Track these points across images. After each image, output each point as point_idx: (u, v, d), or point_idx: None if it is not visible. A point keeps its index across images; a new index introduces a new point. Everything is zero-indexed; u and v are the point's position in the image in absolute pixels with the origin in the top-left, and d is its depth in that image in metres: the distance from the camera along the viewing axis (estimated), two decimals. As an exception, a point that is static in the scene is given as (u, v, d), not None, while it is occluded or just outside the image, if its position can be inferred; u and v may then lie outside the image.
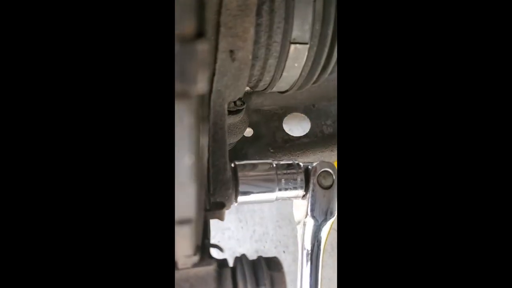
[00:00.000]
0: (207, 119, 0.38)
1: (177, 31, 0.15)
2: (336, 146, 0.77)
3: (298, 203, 0.54)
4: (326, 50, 0.45)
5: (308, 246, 0.52)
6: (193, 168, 0.19)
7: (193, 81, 0.16)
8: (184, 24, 0.15)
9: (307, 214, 0.51)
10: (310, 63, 0.46)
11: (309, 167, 0.51)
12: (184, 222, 0.22)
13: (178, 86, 0.16)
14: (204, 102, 0.19)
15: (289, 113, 0.81)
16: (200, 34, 0.15)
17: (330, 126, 0.80)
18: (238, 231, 1.25)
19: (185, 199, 0.20)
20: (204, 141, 0.23)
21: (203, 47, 0.16)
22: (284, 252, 1.27)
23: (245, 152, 0.75)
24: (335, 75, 0.51)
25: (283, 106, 0.80)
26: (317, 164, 0.51)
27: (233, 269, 0.39)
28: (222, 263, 0.39)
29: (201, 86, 0.16)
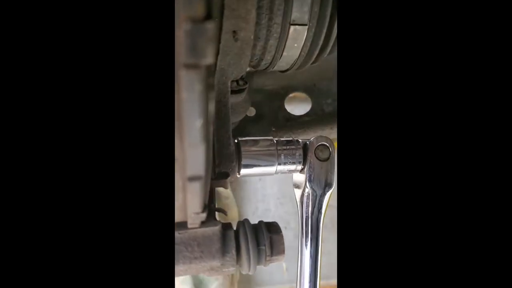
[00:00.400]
0: (214, 87, 0.41)
1: (189, 13, 0.18)
2: (335, 124, 0.80)
3: (298, 178, 0.58)
4: (324, 31, 0.48)
5: (308, 217, 0.55)
6: (202, 130, 0.22)
7: (202, 55, 0.19)
8: (195, 7, 0.18)
9: (305, 186, 0.55)
10: (309, 44, 0.49)
11: (307, 142, 0.54)
12: (195, 178, 0.26)
13: (190, 59, 0.20)
14: (211, 72, 0.23)
15: (290, 93, 0.84)
16: (208, 15, 0.19)
17: (330, 104, 0.83)
18: (241, 208, 1.31)
19: (195, 157, 0.24)
20: (211, 106, 0.26)
21: (211, 26, 0.19)
22: (285, 228, 1.32)
23: (248, 131, 0.78)
24: (335, 55, 0.53)
25: (285, 86, 0.83)
26: (314, 138, 0.54)
27: (236, 231, 0.43)
28: (226, 225, 0.43)
29: (209, 59, 0.20)
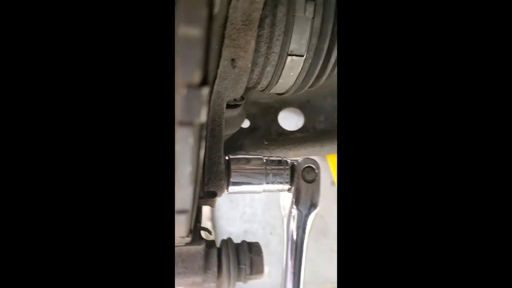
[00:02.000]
0: (206, 138, 0.43)
1: (187, 80, 0.20)
2: (326, 141, 0.82)
3: (285, 196, 0.60)
4: (321, 62, 0.50)
5: (293, 236, 0.57)
6: (191, 175, 0.24)
7: (197, 115, 0.21)
8: (192, 75, 0.20)
9: (292, 206, 0.57)
10: (304, 73, 0.51)
11: (294, 163, 0.56)
12: (182, 212, 0.28)
13: (185, 117, 0.21)
14: (204, 127, 0.25)
15: (285, 107, 0.85)
16: (203, 82, 0.21)
17: (322, 122, 0.85)
18: (229, 212, 1.33)
19: (184, 196, 0.26)
20: (201, 153, 0.28)
21: (205, 92, 0.21)
22: (271, 233, 1.35)
23: (241, 143, 0.80)
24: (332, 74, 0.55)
25: (279, 100, 0.85)
26: (302, 160, 0.56)
27: (219, 250, 0.45)
28: (210, 243, 0.45)
29: (202, 118, 0.22)
